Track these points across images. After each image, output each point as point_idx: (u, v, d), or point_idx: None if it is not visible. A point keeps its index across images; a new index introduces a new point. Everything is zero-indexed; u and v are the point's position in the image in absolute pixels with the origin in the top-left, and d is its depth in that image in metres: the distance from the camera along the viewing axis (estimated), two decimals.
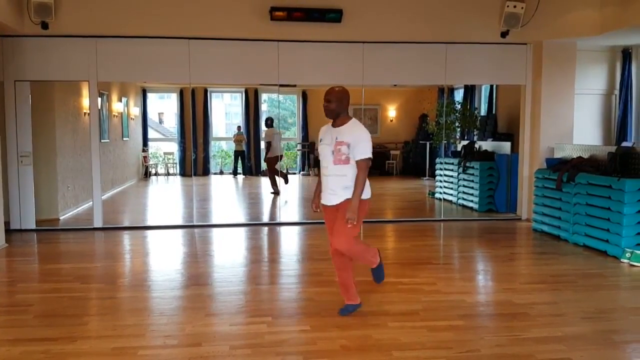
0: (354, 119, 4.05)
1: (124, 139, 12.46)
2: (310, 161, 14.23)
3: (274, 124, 11.32)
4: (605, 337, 3.78)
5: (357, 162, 3.91)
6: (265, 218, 9.50)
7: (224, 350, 3.55)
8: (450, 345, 3.60)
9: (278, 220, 8.62)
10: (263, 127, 11.48)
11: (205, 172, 14.52)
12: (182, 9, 7.48)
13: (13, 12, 6.85)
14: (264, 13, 7.53)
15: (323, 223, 8.50)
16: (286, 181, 11.28)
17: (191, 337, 3.79)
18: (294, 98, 14.81)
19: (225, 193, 13.43)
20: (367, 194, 4.02)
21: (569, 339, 3.71)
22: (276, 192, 10.87)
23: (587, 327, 3.97)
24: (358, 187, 3.88)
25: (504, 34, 7.88)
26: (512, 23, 7.69)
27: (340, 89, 4.02)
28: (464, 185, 9.64)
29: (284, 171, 11.45)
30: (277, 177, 10.96)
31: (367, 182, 4.02)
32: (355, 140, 3.90)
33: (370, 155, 3.92)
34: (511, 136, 9.15)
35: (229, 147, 15.19)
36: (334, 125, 4.03)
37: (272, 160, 11.03)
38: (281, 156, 11.21)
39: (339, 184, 3.96)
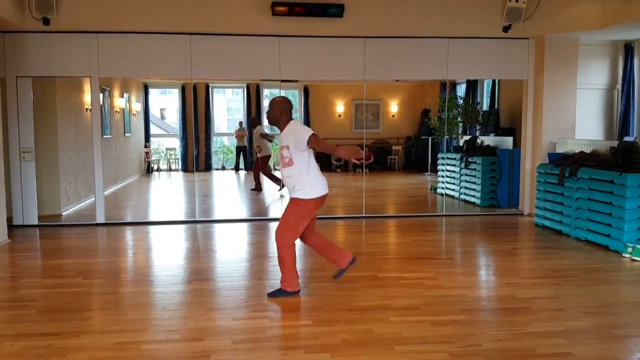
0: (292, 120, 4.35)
1: (126, 134, 12.48)
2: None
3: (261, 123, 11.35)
4: (606, 332, 3.78)
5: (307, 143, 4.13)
6: (267, 213, 9.51)
7: (227, 344, 3.57)
8: (452, 340, 3.61)
9: (280, 216, 8.59)
10: (265, 123, 11.37)
11: (207, 167, 14.52)
12: (183, 4, 7.47)
13: (14, 8, 6.85)
14: (265, 8, 7.51)
15: (324, 219, 8.47)
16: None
17: (193, 331, 3.81)
18: (296, 93, 14.79)
19: (227, 189, 13.45)
20: (310, 193, 4.29)
21: (570, 334, 3.72)
22: (258, 189, 10.98)
23: (588, 321, 3.98)
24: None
25: (506, 29, 7.86)
26: (514, 17, 7.67)
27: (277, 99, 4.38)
28: (466, 181, 9.62)
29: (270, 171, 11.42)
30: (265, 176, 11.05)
31: (318, 180, 4.29)
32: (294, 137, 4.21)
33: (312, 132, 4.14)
34: (513, 131, 9.12)
35: (231, 142, 15.19)
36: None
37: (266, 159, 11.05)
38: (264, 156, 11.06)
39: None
